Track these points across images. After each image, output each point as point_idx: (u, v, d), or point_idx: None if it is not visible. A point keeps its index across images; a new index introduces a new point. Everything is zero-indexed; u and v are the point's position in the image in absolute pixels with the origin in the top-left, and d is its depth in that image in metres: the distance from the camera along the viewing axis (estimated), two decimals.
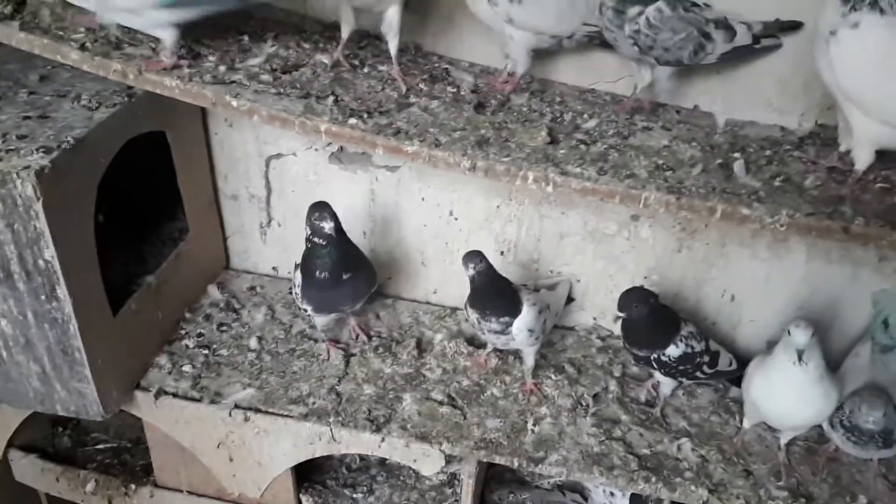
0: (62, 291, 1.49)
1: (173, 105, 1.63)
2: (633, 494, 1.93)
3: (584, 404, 1.81)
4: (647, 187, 1.30)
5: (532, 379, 1.85)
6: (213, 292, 2.11)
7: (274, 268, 2.25)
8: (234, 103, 1.34)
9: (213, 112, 1.98)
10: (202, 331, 1.98)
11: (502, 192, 1.95)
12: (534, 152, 1.36)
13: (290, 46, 1.63)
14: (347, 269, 1.67)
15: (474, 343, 1.98)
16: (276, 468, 1.83)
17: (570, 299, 2.00)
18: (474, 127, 1.41)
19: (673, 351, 1.67)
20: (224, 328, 2.00)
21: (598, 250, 1.97)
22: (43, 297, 1.50)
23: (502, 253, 2.05)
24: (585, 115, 1.55)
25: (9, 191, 1.37)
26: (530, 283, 1.96)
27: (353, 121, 1.34)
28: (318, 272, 1.65)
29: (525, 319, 1.71)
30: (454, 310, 2.14)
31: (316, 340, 1.97)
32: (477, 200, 1.98)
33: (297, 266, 1.79)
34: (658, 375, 1.76)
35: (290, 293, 1.92)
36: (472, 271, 1.65)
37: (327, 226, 1.57)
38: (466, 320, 1.83)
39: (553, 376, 1.88)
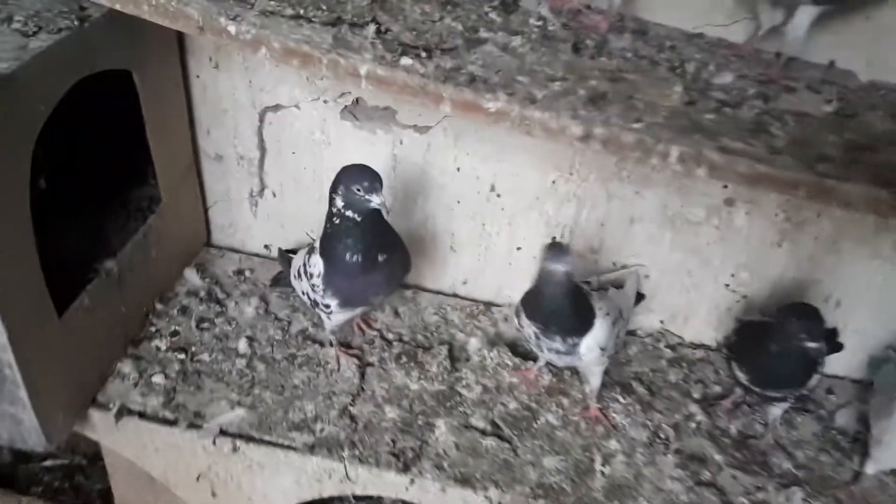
0: None
1: (142, 33, 1.28)
2: None
3: (662, 437, 1.44)
4: (854, 177, 0.90)
5: (597, 403, 1.47)
6: (192, 277, 1.69)
7: (266, 246, 1.83)
8: (233, 29, 0.90)
9: (197, 45, 1.53)
10: (177, 328, 1.57)
11: (562, 164, 1.55)
12: (672, 116, 0.95)
13: None
14: (384, 249, 1.31)
15: (518, 352, 1.59)
16: None
17: (639, 296, 1.60)
18: (579, 76, 1.00)
19: (812, 382, 1.31)
20: (205, 325, 1.59)
21: (678, 240, 1.59)
22: None
23: (554, 239, 1.65)
24: (711, 67, 1.13)
25: None
26: (592, 279, 1.57)
27: (406, 60, 0.92)
28: (349, 255, 1.27)
29: (597, 336, 1.33)
30: (488, 305, 1.75)
31: (322, 343, 1.57)
32: (528, 173, 1.57)
33: (311, 250, 1.37)
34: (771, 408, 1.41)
35: (292, 286, 1.50)
36: (558, 268, 1.23)
37: (375, 199, 1.19)
38: (518, 329, 1.43)
39: (621, 398, 1.52)
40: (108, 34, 1.25)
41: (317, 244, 1.35)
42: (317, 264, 1.33)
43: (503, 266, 1.73)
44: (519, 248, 1.69)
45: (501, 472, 1.35)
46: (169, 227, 1.61)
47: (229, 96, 1.61)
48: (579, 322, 1.31)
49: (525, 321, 1.36)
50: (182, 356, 1.51)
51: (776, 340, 1.28)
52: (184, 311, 1.61)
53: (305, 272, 1.37)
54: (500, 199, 1.62)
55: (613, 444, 1.43)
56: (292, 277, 1.48)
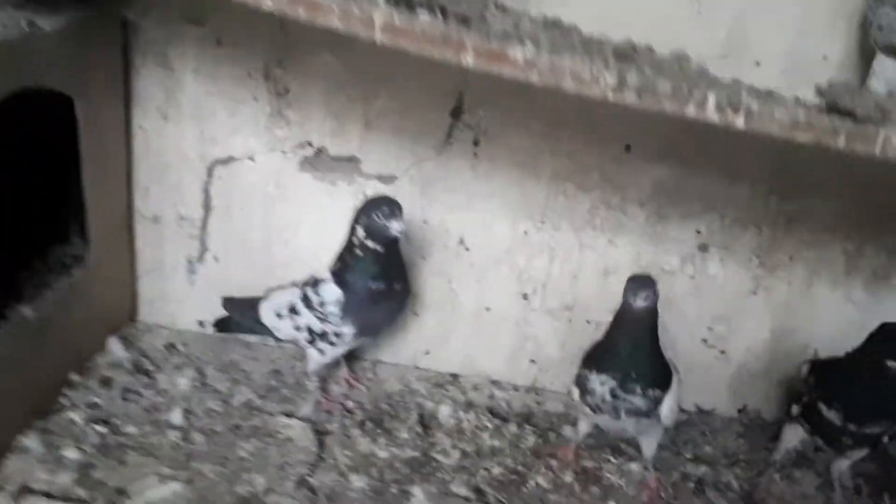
0: None
1: (89, 63, 1.23)
2: None
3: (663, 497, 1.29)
4: None
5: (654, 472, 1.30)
6: (116, 348, 1.47)
7: (201, 322, 1.63)
8: None
9: (145, 94, 1.43)
10: (97, 399, 1.33)
11: (533, 212, 1.50)
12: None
13: None
14: (398, 278, 1.33)
15: (498, 413, 1.43)
16: None
17: None
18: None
19: None
20: (131, 396, 1.36)
21: None
22: None
23: (526, 296, 1.56)
24: None
25: None
26: None
27: (423, 13, 0.86)
28: (372, 283, 1.28)
29: (676, 392, 1.20)
30: (455, 377, 1.60)
31: (271, 414, 1.36)
32: (499, 224, 1.51)
33: (314, 283, 1.33)
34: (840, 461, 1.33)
35: (252, 330, 1.34)
36: (640, 303, 1.13)
37: (396, 227, 1.23)
38: (579, 398, 1.25)
39: (612, 458, 1.36)
40: (55, 51, 1.14)
41: (325, 275, 1.33)
42: (332, 293, 1.30)
43: (470, 331, 1.60)
44: (488, 309, 1.58)
45: None
46: (94, 289, 1.42)
47: (175, 149, 1.50)
48: (663, 371, 1.17)
49: (595, 379, 1.19)
50: (102, 429, 1.26)
51: (871, 366, 1.19)
52: (105, 382, 1.38)
53: (309, 304, 1.32)
54: (468, 252, 1.54)
55: None
56: (271, 317, 1.37)
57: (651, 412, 1.18)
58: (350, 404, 1.43)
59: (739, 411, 1.63)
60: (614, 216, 1.49)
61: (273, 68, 1.42)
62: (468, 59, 0.81)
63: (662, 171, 1.44)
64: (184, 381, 1.41)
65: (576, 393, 1.22)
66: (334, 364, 1.47)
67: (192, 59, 1.42)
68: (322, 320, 1.31)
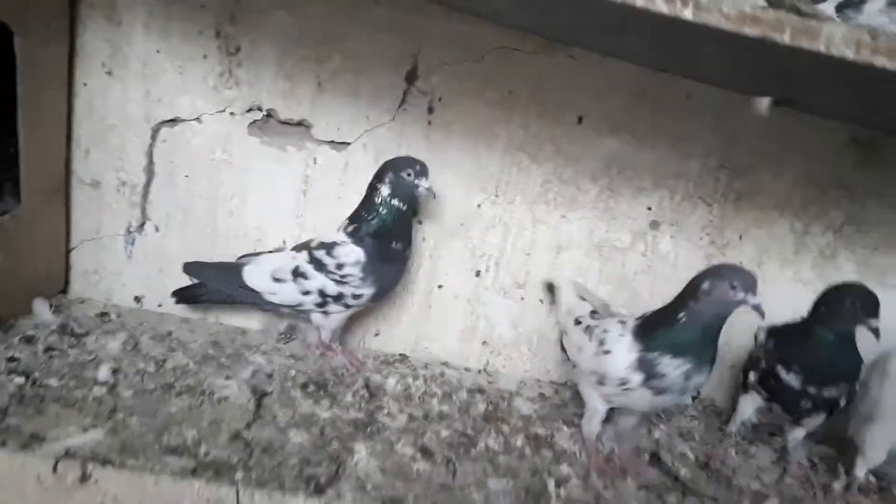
0: None
1: None
2: None
3: (618, 464, 1.24)
4: None
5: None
6: (41, 310, 1.38)
7: (138, 298, 1.54)
8: None
9: (90, 48, 1.40)
10: (17, 354, 1.23)
11: (488, 185, 1.49)
12: None
13: None
14: (410, 239, 1.36)
15: (449, 385, 1.38)
16: None
17: None
18: None
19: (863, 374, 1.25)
20: (56, 354, 1.26)
21: (606, 270, 1.51)
22: None
23: (478, 273, 1.53)
24: None
25: None
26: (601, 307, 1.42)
27: None
28: (393, 243, 1.31)
29: None
30: (404, 357, 1.54)
31: (208, 383, 1.27)
32: (453, 195, 1.49)
33: (329, 245, 1.32)
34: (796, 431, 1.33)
35: (301, 287, 1.33)
36: (739, 298, 1.13)
37: (424, 185, 1.30)
38: (647, 378, 1.17)
39: (565, 427, 1.31)
40: None
41: (340, 237, 1.33)
42: (352, 254, 1.30)
43: (421, 310, 1.55)
44: (440, 287, 1.54)
45: (439, 495, 1.08)
46: (23, 252, 1.34)
47: (119, 109, 1.45)
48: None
49: (669, 363, 1.15)
50: (20, 380, 1.17)
51: (833, 328, 1.19)
52: (28, 340, 1.29)
53: (322, 267, 1.31)
54: (421, 226, 1.50)
55: (565, 469, 1.20)
56: (266, 281, 1.35)
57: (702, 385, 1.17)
58: (292, 372, 1.35)
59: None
60: (567, 190, 1.48)
61: (225, 25, 1.40)
62: None
63: (614, 144, 1.45)
64: (114, 345, 1.33)
65: (637, 378, 1.17)
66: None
67: (143, 13, 1.40)
68: (339, 283, 1.30)
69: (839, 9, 0.95)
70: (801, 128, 1.41)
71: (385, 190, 1.30)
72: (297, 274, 1.33)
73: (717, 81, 1.37)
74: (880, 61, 0.79)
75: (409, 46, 1.40)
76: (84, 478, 1.02)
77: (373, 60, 1.41)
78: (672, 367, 1.15)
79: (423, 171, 1.30)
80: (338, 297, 1.32)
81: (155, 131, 1.46)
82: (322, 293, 1.31)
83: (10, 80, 1.25)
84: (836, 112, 1.36)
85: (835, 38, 0.79)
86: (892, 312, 1.29)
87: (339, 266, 1.30)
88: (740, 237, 1.50)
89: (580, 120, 1.44)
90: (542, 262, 1.51)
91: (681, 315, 1.13)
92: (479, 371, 1.55)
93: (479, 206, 1.49)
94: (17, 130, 1.29)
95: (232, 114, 1.45)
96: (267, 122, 1.46)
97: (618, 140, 1.44)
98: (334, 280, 1.30)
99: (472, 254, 1.52)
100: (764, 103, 1.30)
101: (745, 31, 0.80)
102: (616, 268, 1.51)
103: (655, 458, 1.29)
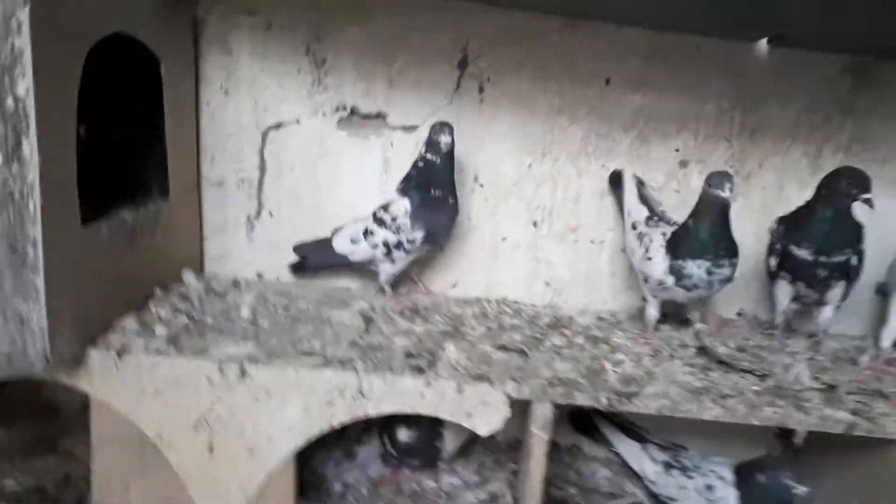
0: (29, 148, 1.15)
1: (170, 35, 1.56)
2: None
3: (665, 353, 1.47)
4: None
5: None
6: (189, 279, 1.73)
7: (259, 274, 1.89)
8: None
9: (210, 73, 1.78)
10: (179, 305, 1.58)
11: (535, 148, 1.77)
12: None
13: None
14: (453, 192, 1.62)
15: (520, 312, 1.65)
16: (275, 454, 1.36)
17: None
18: None
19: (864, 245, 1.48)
20: (207, 303, 1.61)
21: None
22: (0, 159, 1.15)
23: (535, 224, 1.81)
24: None
25: None
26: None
27: None
28: (433, 190, 1.58)
29: None
30: (479, 299, 1.82)
31: (326, 315, 1.59)
32: (506, 160, 1.78)
33: (384, 206, 1.65)
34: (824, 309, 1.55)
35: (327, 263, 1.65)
36: (725, 194, 1.43)
37: (445, 140, 1.55)
38: (677, 279, 1.49)
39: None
40: (148, 10, 1.49)
41: (393, 195, 1.65)
42: (402, 204, 1.61)
43: (490, 261, 1.84)
44: (504, 239, 1.82)
45: (516, 372, 1.35)
46: (173, 230, 1.70)
47: (235, 120, 1.82)
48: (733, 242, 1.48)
49: (692, 264, 1.45)
50: (184, 319, 1.51)
51: (830, 205, 1.43)
52: (184, 296, 1.64)
53: (382, 223, 1.63)
54: (482, 188, 1.80)
55: (620, 356, 1.45)
56: (346, 244, 1.70)
57: (732, 275, 1.45)
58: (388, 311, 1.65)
59: (738, 315, 1.81)
60: (604, 143, 1.76)
61: (312, 44, 1.76)
62: None
63: (638, 99, 1.72)
64: (249, 298, 1.66)
65: (670, 280, 1.46)
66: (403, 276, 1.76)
67: (248, 43, 1.77)
68: (396, 232, 1.61)
69: None
70: (797, 64, 1.65)
71: (422, 148, 1.60)
72: (367, 233, 1.66)
73: (719, 33, 1.63)
74: None
75: (458, 40, 1.72)
76: (242, 374, 1.34)
77: (430, 56, 1.73)
78: (695, 268, 1.39)
79: (443, 129, 1.57)
80: (398, 245, 1.62)
81: (264, 135, 1.82)
82: (385, 244, 1.63)
83: (157, 102, 1.62)
84: (824, 44, 1.59)
85: None
86: None
87: (394, 218, 1.61)
88: (760, 166, 1.73)
89: (607, 82, 1.72)
90: (589, 208, 1.78)
91: (690, 223, 1.39)
92: (545, 306, 1.81)
93: (529, 165, 1.78)
94: (164, 141, 1.66)
95: (323, 114, 1.79)
96: (351, 118, 1.79)
97: (641, 95, 1.71)
98: (393, 231, 1.61)
99: (528, 207, 1.79)
100: (762, 45, 1.56)
101: None
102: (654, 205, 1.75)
103: (702, 350, 1.52)
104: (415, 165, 1.63)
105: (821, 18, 1.39)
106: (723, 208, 1.40)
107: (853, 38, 1.54)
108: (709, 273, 1.43)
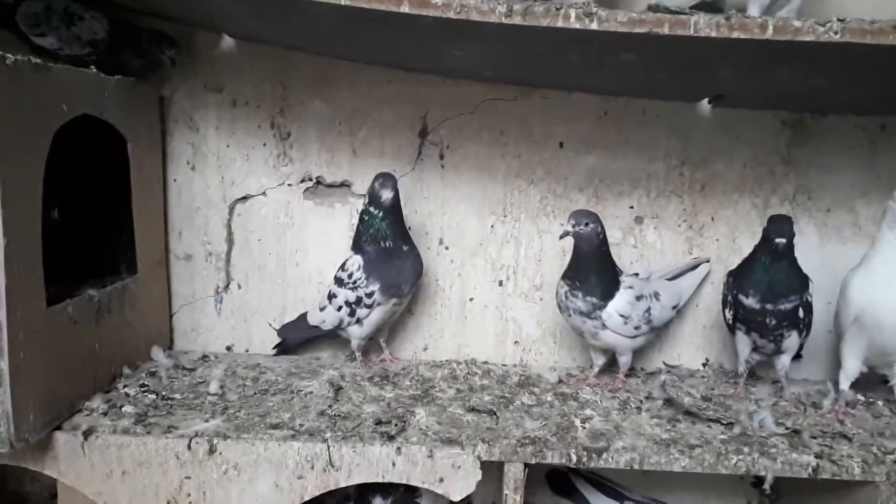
0: None
1: (136, 114, 1.61)
2: None
3: (633, 406, 1.50)
4: None
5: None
6: (158, 355, 1.73)
7: (228, 347, 1.90)
8: None
9: (177, 150, 1.82)
10: (147, 382, 1.58)
11: (496, 209, 1.83)
12: None
13: None
14: (406, 241, 1.64)
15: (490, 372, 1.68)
16: None
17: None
18: None
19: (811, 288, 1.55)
20: (175, 380, 1.61)
21: None
22: None
23: (501, 283, 1.85)
24: None
25: None
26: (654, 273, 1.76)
27: None
28: (381, 242, 1.60)
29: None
30: (450, 361, 1.84)
31: (295, 385, 1.60)
32: (469, 223, 1.83)
33: (341, 266, 1.67)
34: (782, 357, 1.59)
35: (308, 335, 1.71)
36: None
37: (386, 194, 1.58)
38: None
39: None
40: (115, 94, 1.53)
41: (348, 254, 1.67)
42: (354, 260, 1.63)
43: (459, 321, 1.87)
44: (471, 299, 1.86)
45: (486, 433, 1.36)
46: (141, 307, 1.70)
47: (202, 195, 1.85)
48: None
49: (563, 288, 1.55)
50: (152, 396, 1.51)
51: (764, 253, 1.50)
52: (152, 373, 1.64)
53: (341, 283, 1.64)
54: (448, 251, 1.84)
55: (589, 412, 1.47)
56: (317, 314, 1.72)
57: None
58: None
59: (703, 365, 1.85)
60: (562, 203, 1.81)
61: (277, 118, 1.81)
62: (405, 8, 1.16)
63: (591, 160, 1.79)
64: (217, 372, 1.65)
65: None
66: (372, 340, 1.77)
67: (214, 119, 1.82)
68: (353, 289, 1.61)
69: None
70: (739, 121, 1.73)
71: (366, 200, 1.63)
72: (331, 296, 1.67)
73: (663, 95, 1.71)
74: (735, 34, 1.13)
75: (418, 110, 1.79)
76: (211, 450, 1.33)
77: (392, 126, 1.80)
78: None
79: (384, 183, 1.58)
80: (358, 302, 1.62)
81: (231, 208, 1.86)
82: (347, 303, 1.63)
83: (124, 179, 1.65)
84: (761, 103, 1.68)
85: (700, 24, 1.14)
86: (850, 260, 1.57)
87: (350, 276, 1.62)
88: (712, 219, 1.79)
89: (561, 145, 1.79)
90: (553, 265, 1.82)
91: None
92: (514, 365, 1.83)
93: (492, 226, 1.82)
94: (131, 218, 1.68)
95: (289, 185, 1.84)
96: (317, 188, 1.84)
97: (594, 156, 1.78)
98: (350, 289, 1.62)
99: (493, 267, 1.84)
100: (704, 105, 1.65)
101: (636, 30, 1.15)
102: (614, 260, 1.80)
103: (668, 401, 1.54)
104: (361, 220, 1.64)
105: (750, 84, 1.48)
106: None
107: (784, 98, 1.64)
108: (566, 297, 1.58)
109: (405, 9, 1.18)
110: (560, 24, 1.15)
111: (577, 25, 1.15)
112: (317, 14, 1.26)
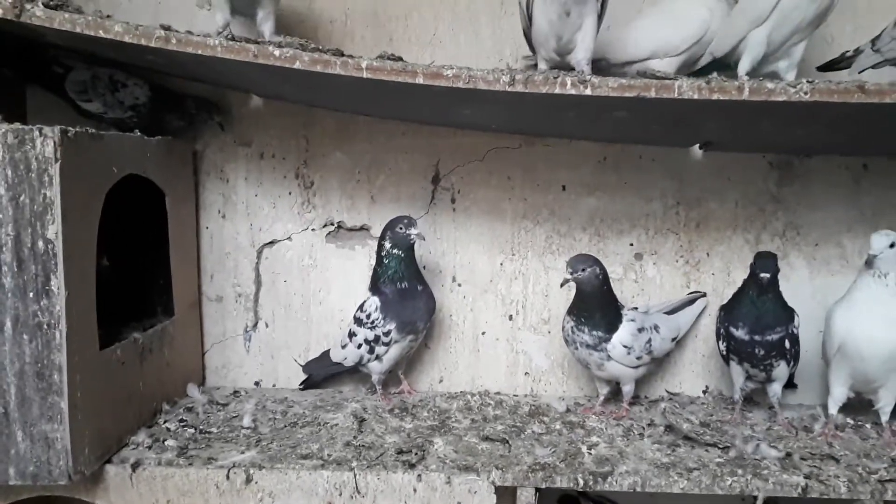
0: (57, 284, 1.31)
1: (173, 169, 1.76)
2: None
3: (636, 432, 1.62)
4: None
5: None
6: (194, 392, 1.86)
7: (257, 382, 2.03)
8: (277, 53, 1.37)
9: (209, 201, 1.97)
10: (185, 417, 1.71)
11: (505, 247, 1.96)
12: None
13: None
14: (420, 281, 1.74)
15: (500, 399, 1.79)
16: None
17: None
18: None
19: (797, 321, 1.65)
20: (211, 415, 1.74)
21: None
22: (31, 295, 1.31)
23: (511, 317, 1.97)
24: None
25: (24, 153, 1.29)
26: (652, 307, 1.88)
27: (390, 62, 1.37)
28: (399, 283, 1.69)
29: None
30: (464, 392, 1.96)
31: (321, 418, 1.72)
32: (479, 261, 1.96)
33: (360, 306, 1.77)
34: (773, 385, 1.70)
35: (330, 371, 1.83)
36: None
37: (414, 232, 1.66)
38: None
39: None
40: (155, 154, 1.68)
41: (366, 295, 1.78)
42: (371, 302, 1.73)
43: (472, 354, 1.99)
44: (483, 333, 1.98)
45: (500, 461, 1.48)
46: (178, 347, 1.84)
47: (232, 241, 2.00)
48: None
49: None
50: (191, 430, 1.64)
51: (751, 287, 1.62)
52: (189, 409, 1.77)
53: (360, 322, 1.74)
54: (460, 287, 1.97)
55: (595, 439, 1.59)
56: (338, 351, 1.83)
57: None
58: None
59: (703, 392, 1.96)
60: (565, 242, 1.94)
61: (301, 168, 1.96)
62: (420, 80, 1.31)
63: (593, 202, 1.92)
64: (249, 406, 1.78)
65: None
66: (391, 373, 1.86)
67: (243, 171, 1.97)
68: (371, 328, 1.71)
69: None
70: (729, 163, 1.87)
71: (387, 244, 1.69)
72: (351, 335, 1.79)
73: (657, 142, 1.85)
74: (715, 96, 1.27)
75: (431, 159, 1.93)
76: (248, 479, 1.45)
77: (407, 173, 1.94)
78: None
79: (410, 223, 1.67)
80: (376, 340, 1.72)
81: (259, 252, 2.00)
82: (367, 341, 1.74)
83: (161, 229, 1.80)
84: (747, 147, 1.82)
85: (683, 87, 1.28)
86: (839, 291, 1.69)
87: (368, 316, 1.73)
88: (707, 254, 1.91)
89: (564, 188, 1.92)
90: (559, 299, 1.94)
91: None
92: (525, 395, 1.95)
93: (501, 264, 1.95)
94: (168, 264, 1.83)
95: (313, 230, 1.98)
96: (338, 232, 1.98)
97: (595, 198, 1.92)
98: (368, 328, 1.73)
99: (503, 302, 1.96)
100: (695, 150, 1.79)
101: (626, 94, 1.29)
102: (616, 294, 1.93)
103: (669, 428, 1.66)
104: (379, 262, 1.74)
105: (736, 133, 1.61)
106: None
107: (769, 143, 1.77)
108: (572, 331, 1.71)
109: (420, 80, 1.33)
110: (558, 90, 1.29)
111: (573, 91, 1.29)
112: (340, 83, 1.40)
